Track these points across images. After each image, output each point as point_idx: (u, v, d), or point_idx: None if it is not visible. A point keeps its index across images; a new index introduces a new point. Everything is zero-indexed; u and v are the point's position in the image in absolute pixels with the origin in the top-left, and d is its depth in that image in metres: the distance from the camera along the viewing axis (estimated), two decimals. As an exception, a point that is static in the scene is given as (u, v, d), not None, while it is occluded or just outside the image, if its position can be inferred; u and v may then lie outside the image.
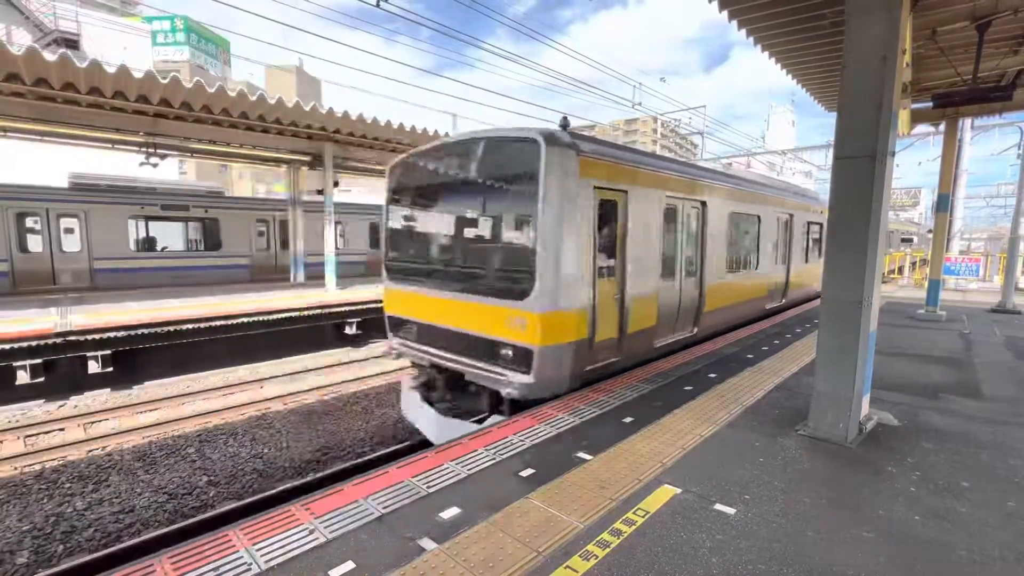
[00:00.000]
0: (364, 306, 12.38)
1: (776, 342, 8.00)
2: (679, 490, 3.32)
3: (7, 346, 7.91)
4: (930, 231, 13.89)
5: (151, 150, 11.66)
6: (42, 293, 12.77)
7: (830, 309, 4.16)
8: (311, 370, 10.56)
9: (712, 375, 6.05)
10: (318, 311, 11.60)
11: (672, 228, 6.72)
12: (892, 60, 3.73)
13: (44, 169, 18.39)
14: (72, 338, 8.48)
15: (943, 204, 10.14)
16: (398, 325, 6.63)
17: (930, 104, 8.48)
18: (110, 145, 11.74)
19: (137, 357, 9.57)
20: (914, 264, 19.86)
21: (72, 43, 20.62)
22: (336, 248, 14.01)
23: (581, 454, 3.87)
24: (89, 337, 8.65)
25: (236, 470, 6.48)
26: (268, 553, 2.68)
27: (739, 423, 4.52)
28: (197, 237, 16.40)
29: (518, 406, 5.13)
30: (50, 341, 8.25)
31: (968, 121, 15.52)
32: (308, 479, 6.08)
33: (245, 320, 10.32)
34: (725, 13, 5.83)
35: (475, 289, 5.45)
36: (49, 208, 13.46)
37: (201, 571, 2.54)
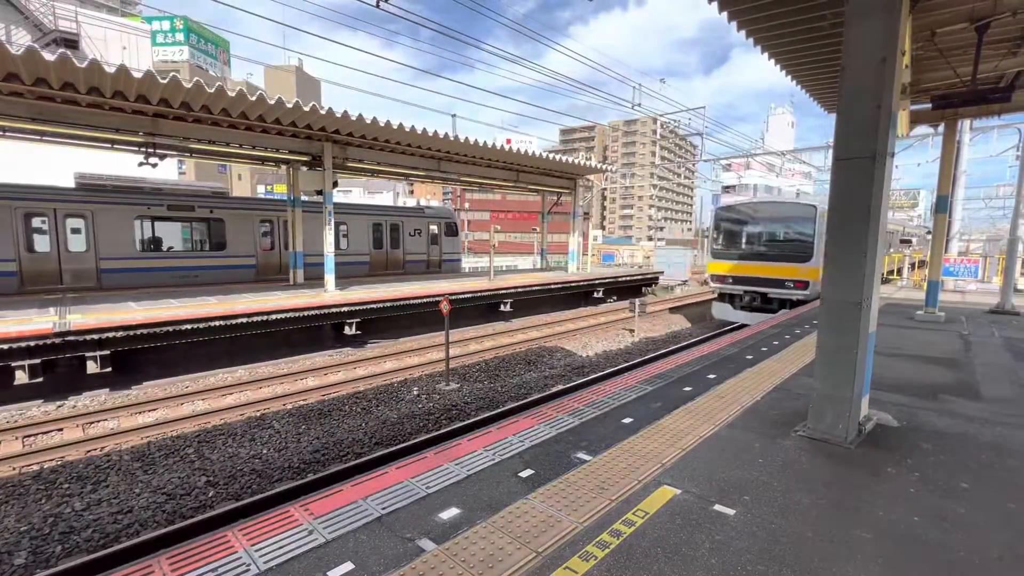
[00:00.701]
0: (364, 306, 12.35)
1: (775, 343, 8.02)
2: (678, 491, 3.33)
3: (5, 346, 7.89)
4: (929, 232, 14.58)
5: (150, 150, 11.62)
6: (49, 293, 12.73)
7: (830, 310, 4.17)
8: (309, 371, 10.55)
9: (711, 376, 6.06)
10: (316, 311, 11.58)
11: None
12: (891, 61, 3.74)
13: (45, 169, 18.32)
14: (71, 338, 8.46)
15: (942, 205, 10.16)
16: (719, 279, 15.23)
17: (929, 105, 8.52)
18: (109, 145, 11.70)
19: (136, 357, 9.56)
20: (913, 265, 19.88)
21: (71, 43, 20.56)
22: (339, 249, 13.94)
23: (581, 455, 3.87)
24: (88, 337, 8.63)
25: (235, 470, 6.47)
26: (267, 553, 2.68)
27: (738, 424, 4.52)
28: (202, 237, 16.36)
29: (792, 305, 13.43)
30: (48, 341, 8.24)
31: (967, 122, 15.54)
32: (307, 479, 6.06)
33: (244, 320, 10.31)
34: (725, 14, 5.84)
35: (778, 259, 14.04)
36: (57, 208, 13.39)
37: (200, 571, 2.54)
